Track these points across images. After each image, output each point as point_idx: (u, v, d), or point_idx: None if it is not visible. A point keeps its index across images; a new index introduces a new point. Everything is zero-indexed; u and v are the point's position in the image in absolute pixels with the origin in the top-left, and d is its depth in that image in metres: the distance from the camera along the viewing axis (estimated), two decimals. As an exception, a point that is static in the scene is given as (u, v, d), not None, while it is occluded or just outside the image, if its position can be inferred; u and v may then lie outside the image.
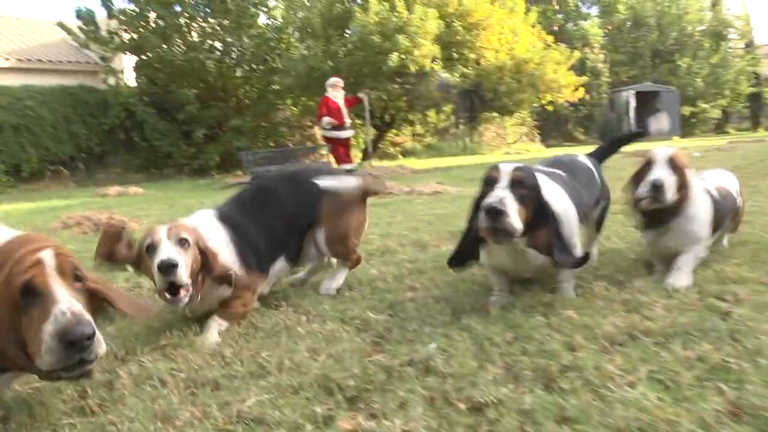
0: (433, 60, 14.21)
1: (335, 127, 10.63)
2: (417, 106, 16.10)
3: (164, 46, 15.03)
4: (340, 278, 2.70)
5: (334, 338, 2.02)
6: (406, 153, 17.27)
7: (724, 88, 26.99)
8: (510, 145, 19.04)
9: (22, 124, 13.97)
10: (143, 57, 15.35)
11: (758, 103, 28.58)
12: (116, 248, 2.08)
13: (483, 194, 2.04)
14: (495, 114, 17.71)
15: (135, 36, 15.07)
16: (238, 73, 16.14)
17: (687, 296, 2.15)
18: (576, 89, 16.91)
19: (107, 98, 15.30)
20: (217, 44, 15.60)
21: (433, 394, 1.54)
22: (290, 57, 15.34)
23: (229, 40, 15.48)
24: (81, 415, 1.60)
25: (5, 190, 13.04)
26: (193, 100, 15.10)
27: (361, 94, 11.61)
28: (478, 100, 16.56)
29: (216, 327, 2.19)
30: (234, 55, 15.78)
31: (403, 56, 13.48)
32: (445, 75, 15.20)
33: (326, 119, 10.53)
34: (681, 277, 2.31)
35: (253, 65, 15.95)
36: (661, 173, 2.26)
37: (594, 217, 2.70)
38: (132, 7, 15.02)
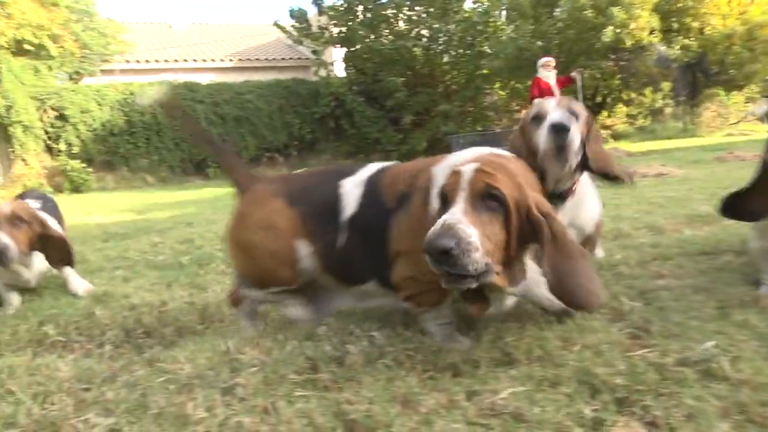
0: (651, 32, 15.15)
1: (546, 109, 12.17)
2: (632, 85, 17.43)
3: (372, 36, 17.91)
4: None
5: (585, 327, 2.05)
6: (617, 136, 17.88)
7: None
8: (733, 125, 19.37)
9: (242, 115, 17.73)
10: (352, 48, 18.45)
11: None
12: None
13: None
14: (718, 90, 18.47)
15: (344, 29, 18.13)
16: (445, 58, 18.64)
17: None
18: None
19: (318, 89, 18.67)
20: (424, 31, 18.17)
21: (726, 405, 1.49)
22: (498, 39, 17.47)
23: (435, 26, 17.95)
24: (314, 389, 1.80)
25: None
26: (400, 87, 17.74)
27: (573, 74, 12.48)
28: (701, 74, 17.54)
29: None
30: (441, 41, 18.28)
31: (617, 30, 14.66)
32: (663, 48, 15.90)
33: (537, 101, 12.06)
34: None
35: (460, 50, 18.33)
36: None
37: None
38: (341, 2, 18.25)
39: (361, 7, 18.11)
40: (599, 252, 3.01)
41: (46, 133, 15.45)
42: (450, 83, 19.10)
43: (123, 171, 16.02)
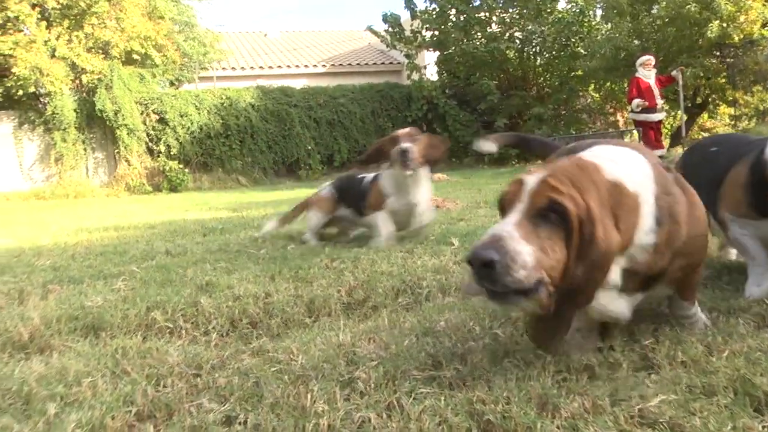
0: (764, 25, 14.13)
1: (646, 110, 11.29)
2: (739, 83, 16.41)
3: (465, 39, 17.74)
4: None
5: (729, 332, 1.95)
6: (719, 140, 17.22)
7: None
8: None
9: (335, 119, 17.94)
10: (445, 52, 18.34)
11: None
12: None
13: None
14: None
15: (437, 33, 18.11)
16: (539, 60, 18.29)
17: None
18: None
19: (411, 93, 18.64)
20: (517, 33, 17.85)
21: None
22: (593, 39, 16.81)
23: (529, 28, 17.59)
24: (439, 387, 1.70)
25: (320, 177, 17.22)
26: (493, 90, 17.48)
27: (674, 72, 12.10)
28: (820, 71, 16.10)
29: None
30: (534, 43, 17.88)
31: (724, 24, 13.70)
32: (777, 42, 15.06)
33: (636, 101, 11.14)
34: None
35: (553, 52, 17.91)
36: None
37: None
38: (433, 6, 18.31)
39: (453, 11, 18.00)
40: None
41: (148, 135, 16.24)
42: (543, 85, 18.74)
43: (218, 172, 16.59)
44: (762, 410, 1.45)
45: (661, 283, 1.86)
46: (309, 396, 1.69)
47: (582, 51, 17.36)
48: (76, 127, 15.77)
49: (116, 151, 16.03)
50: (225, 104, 16.88)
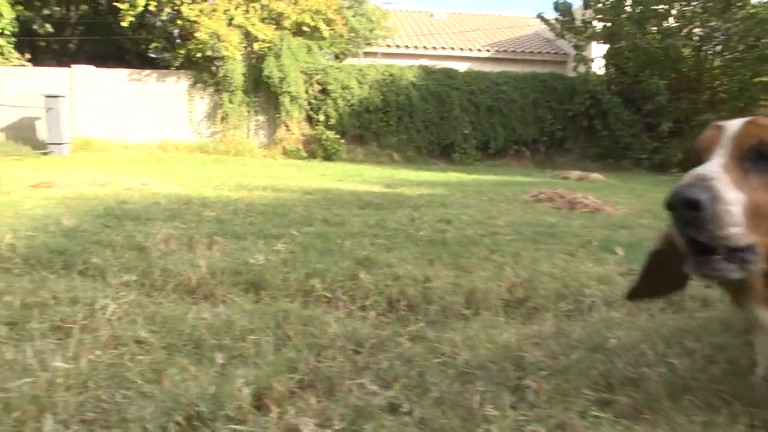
0: None
1: None
2: None
3: (638, 33, 16.49)
4: None
5: None
6: None
7: None
8: None
9: (495, 106, 17.51)
10: (615, 45, 17.29)
11: None
12: None
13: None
14: None
15: (609, 24, 17.09)
16: (717, 62, 16.67)
17: None
18: None
19: (575, 86, 17.79)
20: (696, 30, 16.33)
21: None
22: None
23: (712, 23, 16.00)
24: (614, 414, 1.55)
25: (474, 162, 17.02)
26: (662, 90, 16.28)
27: None
28: None
29: None
30: (715, 42, 16.28)
31: None
32: None
33: None
34: None
35: (736, 53, 16.16)
36: None
37: None
38: (608, -5, 17.43)
39: (630, 1, 16.87)
40: None
41: (309, 104, 16.88)
42: (719, 90, 17.02)
43: (372, 146, 16.91)
44: None
45: None
46: (477, 398, 1.60)
47: (773, 53, 15.48)
48: (243, 91, 16.72)
49: (277, 116, 16.80)
50: (387, 81, 17.09)
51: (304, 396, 1.63)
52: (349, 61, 19.01)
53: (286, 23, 16.78)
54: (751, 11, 15.86)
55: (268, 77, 16.24)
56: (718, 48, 16.58)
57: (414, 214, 4.98)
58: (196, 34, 15.69)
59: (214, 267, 2.88)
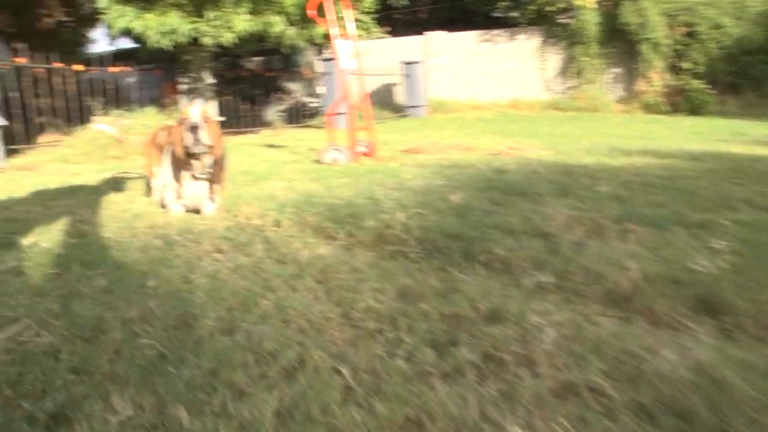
0: None
1: None
2: None
3: None
4: None
5: None
6: None
7: None
8: None
9: None
10: None
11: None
12: None
13: None
14: None
15: None
16: None
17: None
18: None
19: None
20: None
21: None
22: None
23: None
24: None
25: None
26: None
27: None
28: None
29: None
30: None
31: None
32: None
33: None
34: None
35: None
36: None
37: None
38: None
39: None
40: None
41: (673, 50, 15.10)
42: None
43: (748, 96, 14.37)
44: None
45: None
46: None
47: None
48: (597, 42, 15.77)
49: (635, 66, 15.45)
50: (774, 12, 14.24)
51: None
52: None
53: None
54: None
55: (626, 24, 14.96)
56: None
57: None
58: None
59: (646, 270, 2.31)
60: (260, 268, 2.63)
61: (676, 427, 1.36)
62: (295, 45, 10.09)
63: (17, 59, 8.58)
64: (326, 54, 14.53)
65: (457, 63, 17.43)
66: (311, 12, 6.37)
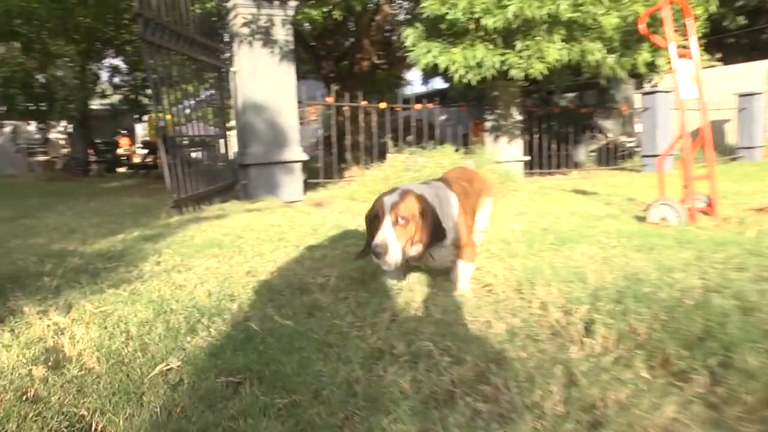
0: None
1: None
2: None
3: None
4: None
5: None
6: None
7: None
8: None
9: None
10: None
11: None
12: None
13: None
14: None
15: None
16: None
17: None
18: None
19: None
20: None
21: None
22: None
23: None
24: None
25: None
26: None
27: None
28: None
29: None
30: None
31: None
32: None
33: None
34: None
35: None
36: None
37: None
38: None
39: None
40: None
41: None
42: None
43: None
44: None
45: None
46: None
47: None
48: None
49: None
50: None
51: None
52: None
53: None
54: None
55: None
56: None
57: None
58: None
59: None
60: None
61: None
62: (615, 75, 8.82)
63: (328, 99, 8.88)
64: (647, 86, 12.90)
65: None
66: (642, 27, 5.13)
